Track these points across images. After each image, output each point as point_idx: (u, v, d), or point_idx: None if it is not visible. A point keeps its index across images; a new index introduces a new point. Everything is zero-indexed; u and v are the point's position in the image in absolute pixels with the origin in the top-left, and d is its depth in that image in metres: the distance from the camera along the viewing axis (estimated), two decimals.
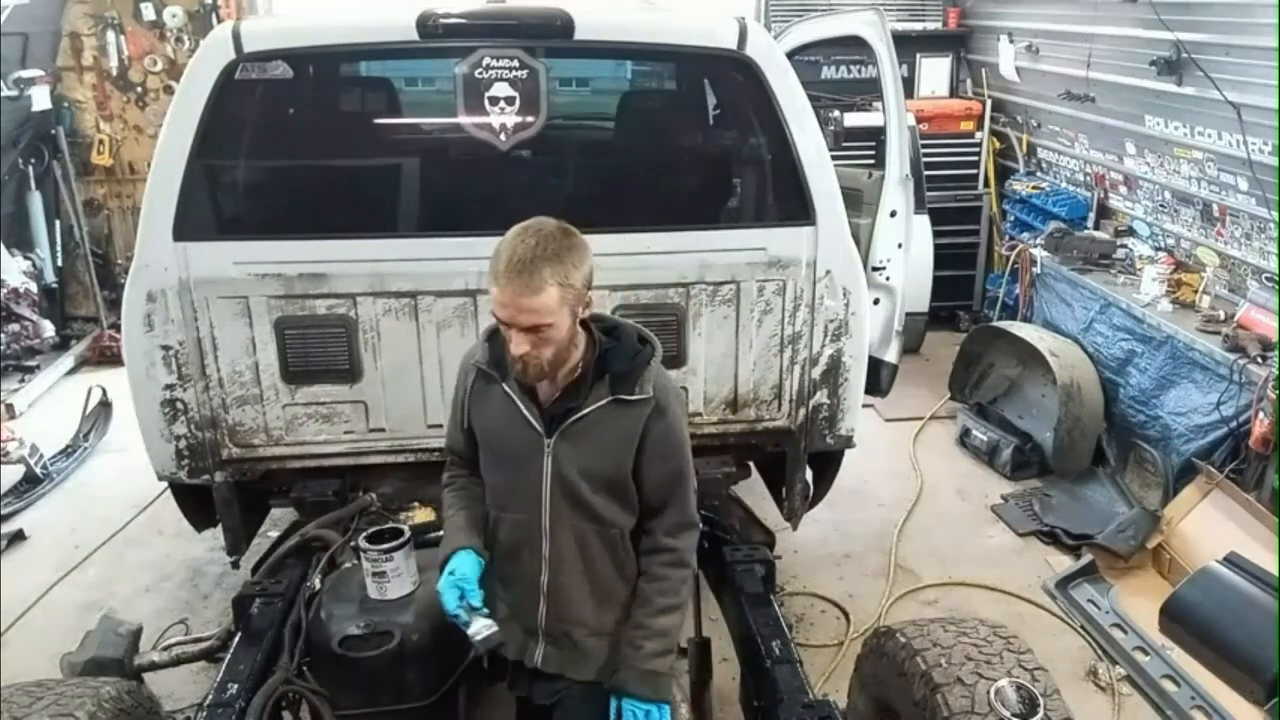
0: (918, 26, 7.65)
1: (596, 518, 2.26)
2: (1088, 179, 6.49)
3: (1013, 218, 7.13)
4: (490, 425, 2.30)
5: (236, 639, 2.97)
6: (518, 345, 2.07)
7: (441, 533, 2.46)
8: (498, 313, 2.08)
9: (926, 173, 5.33)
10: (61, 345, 7.08)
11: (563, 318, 2.07)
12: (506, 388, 2.24)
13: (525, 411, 2.22)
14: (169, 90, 7.01)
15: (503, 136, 3.16)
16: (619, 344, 2.24)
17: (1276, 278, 4.68)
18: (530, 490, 2.25)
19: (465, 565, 2.25)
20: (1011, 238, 7.01)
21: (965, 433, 5.78)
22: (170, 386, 3.19)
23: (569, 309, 2.08)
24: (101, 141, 7.33)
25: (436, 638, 2.65)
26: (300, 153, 3.39)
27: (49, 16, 7.03)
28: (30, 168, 7.01)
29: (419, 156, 3.48)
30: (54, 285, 7.22)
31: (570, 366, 2.18)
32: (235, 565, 3.67)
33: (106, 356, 6.94)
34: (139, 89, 7.29)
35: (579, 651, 2.33)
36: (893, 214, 3.95)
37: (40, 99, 6.80)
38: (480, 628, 2.23)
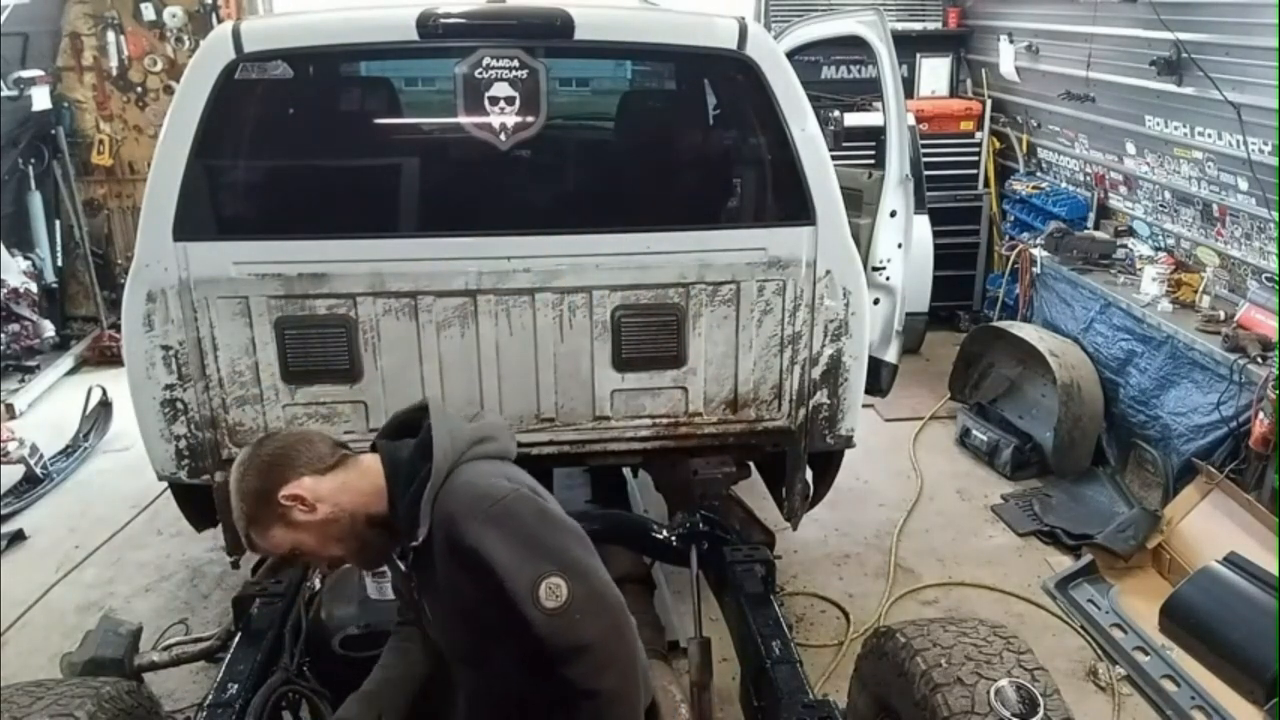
0: (918, 26, 7.65)
1: (475, 662, 2.07)
2: (1088, 179, 6.49)
3: (1013, 218, 7.13)
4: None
5: (236, 639, 2.97)
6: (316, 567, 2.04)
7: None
8: None
9: (926, 173, 5.34)
10: (61, 345, 7.07)
11: (285, 535, 1.90)
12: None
13: (399, 585, 2.17)
14: (169, 90, 7.01)
15: (503, 136, 3.16)
16: (399, 476, 1.91)
17: (1276, 278, 4.68)
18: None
19: None
20: (1011, 238, 7.01)
21: (965, 433, 5.78)
22: (170, 386, 3.19)
23: (282, 524, 1.89)
24: (101, 141, 7.32)
25: None
26: (300, 153, 3.38)
27: (49, 16, 7.03)
28: (30, 168, 7.00)
29: (419, 156, 3.47)
30: (54, 285, 7.22)
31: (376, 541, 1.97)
32: (235, 565, 3.66)
33: (106, 356, 6.94)
34: (139, 89, 7.29)
35: None
36: (893, 214, 3.95)
37: (40, 99, 6.79)
38: None
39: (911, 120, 4.53)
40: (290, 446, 1.92)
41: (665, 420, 3.40)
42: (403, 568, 2.04)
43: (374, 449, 1.98)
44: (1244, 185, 4.78)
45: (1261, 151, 4.49)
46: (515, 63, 3.10)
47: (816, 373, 3.44)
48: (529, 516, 1.85)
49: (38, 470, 5.31)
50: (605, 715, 1.90)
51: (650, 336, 3.29)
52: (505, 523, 1.82)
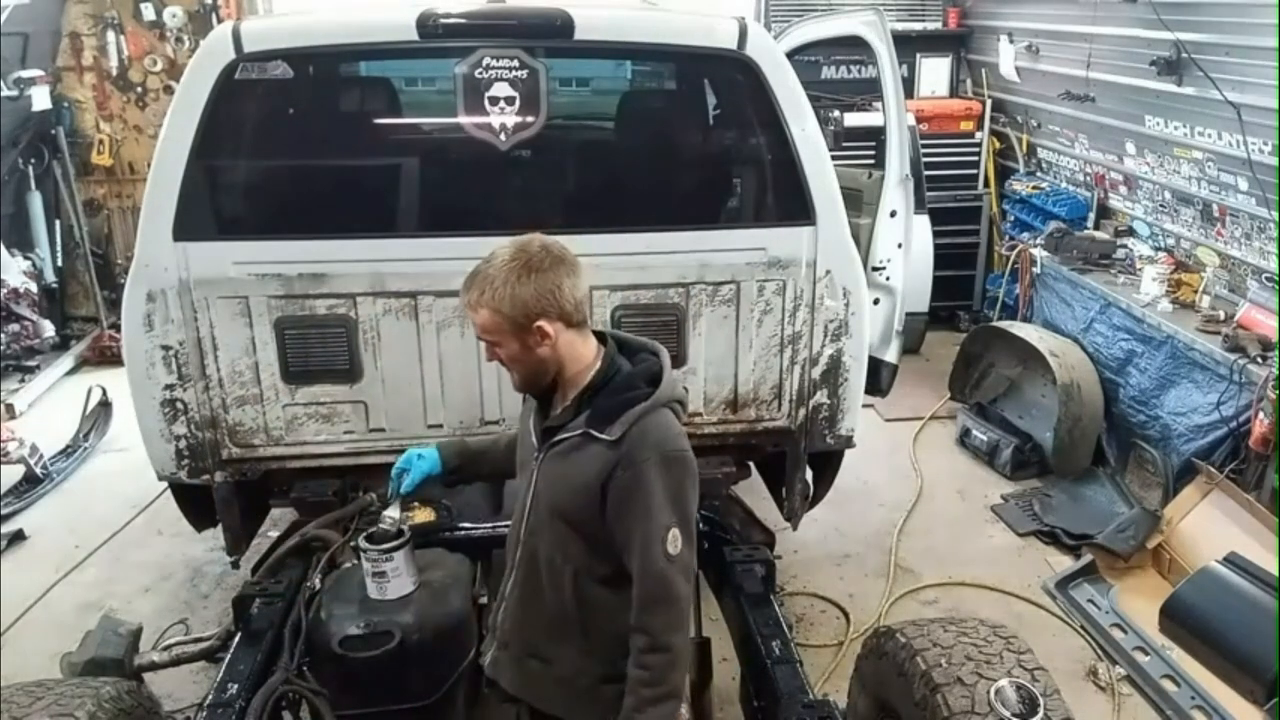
0: (918, 26, 7.65)
1: (557, 547, 2.16)
2: (1088, 179, 6.49)
3: (1013, 218, 7.13)
4: (519, 427, 2.37)
5: (236, 639, 2.97)
6: (493, 354, 2.14)
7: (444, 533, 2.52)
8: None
9: (926, 173, 5.32)
10: (61, 345, 7.08)
11: (506, 339, 2.08)
12: (526, 401, 2.29)
13: (531, 422, 2.25)
14: (169, 90, 7.01)
15: (503, 136, 3.16)
16: (620, 376, 2.14)
17: (1276, 278, 4.68)
18: (521, 497, 2.26)
19: (418, 458, 2.53)
20: (1011, 238, 7.02)
21: (965, 433, 5.78)
22: (170, 386, 3.19)
23: (513, 334, 2.06)
24: (101, 141, 7.33)
25: (436, 638, 2.65)
26: (300, 153, 3.38)
27: (49, 16, 7.03)
28: (30, 168, 7.01)
29: (419, 156, 3.48)
30: (54, 285, 7.22)
31: (580, 387, 2.14)
32: (235, 565, 3.67)
33: (106, 356, 6.94)
34: (139, 89, 7.29)
35: (520, 669, 2.28)
36: (893, 214, 3.95)
37: (40, 99, 6.80)
38: (388, 515, 2.60)
39: (911, 120, 4.53)
40: (567, 283, 2.07)
41: None
42: (532, 426, 2.24)
43: (600, 338, 2.20)
44: (1244, 185, 4.78)
45: (1261, 151, 4.49)
46: (515, 63, 3.10)
47: (816, 373, 3.44)
48: (687, 478, 2.11)
49: (38, 470, 5.31)
50: (669, 673, 2.09)
51: (650, 336, 3.26)
52: (672, 470, 2.07)
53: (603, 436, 2.06)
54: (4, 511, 4.99)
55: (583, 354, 2.14)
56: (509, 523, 2.38)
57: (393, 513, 2.62)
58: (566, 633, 2.20)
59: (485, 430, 3.32)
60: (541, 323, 2.04)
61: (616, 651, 2.12)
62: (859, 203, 4.03)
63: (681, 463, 2.09)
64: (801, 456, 3.60)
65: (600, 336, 2.21)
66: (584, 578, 2.16)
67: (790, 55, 3.65)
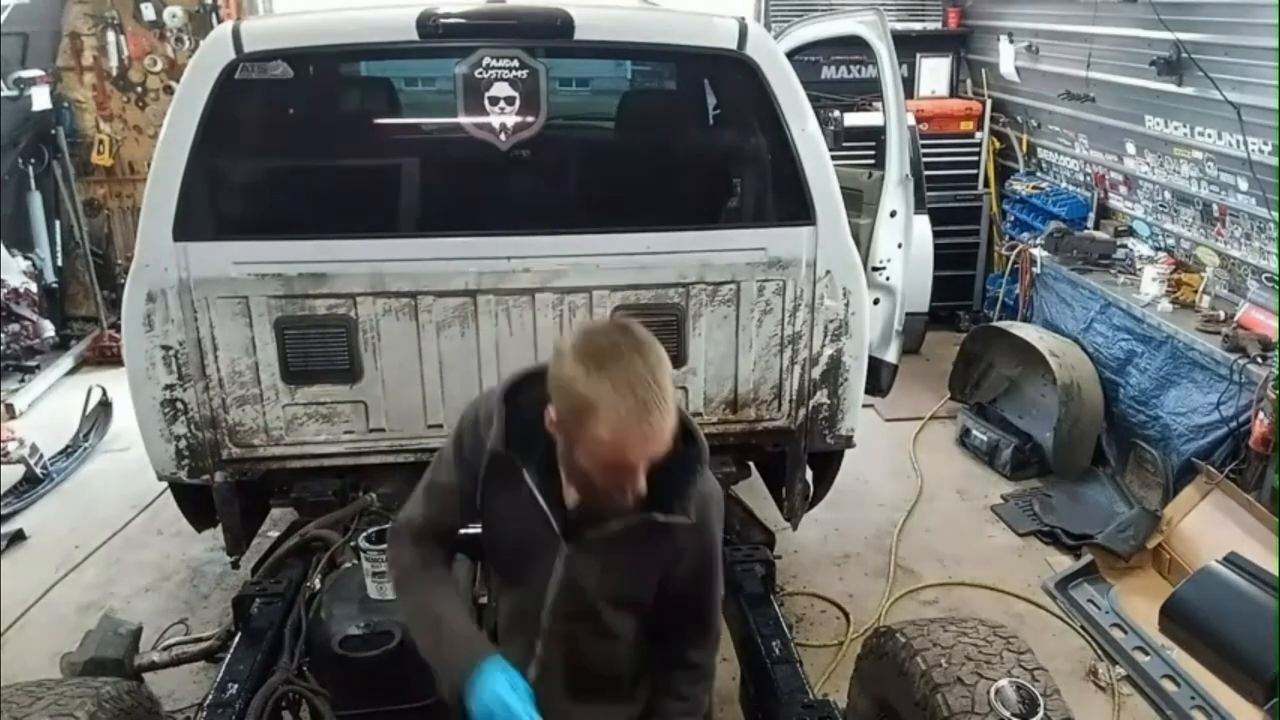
0: (918, 26, 7.65)
1: (604, 631, 2.01)
2: (1088, 179, 6.49)
3: (1013, 218, 7.13)
4: (498, 512, 1.99)
5: (236, 639, 2.97)
6: (644, 479, 1.74)
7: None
8: (624, 459, 1.69)
9: (926, 173, 5.33)
10: (61, 345, 7.06)
11: None
12: (529, 480, 1.88)
13: (546, 509, 1.89)
14: (169, 90, 7.00)
15: (503, 136, 3.16)
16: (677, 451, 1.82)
17: (1276, 278, 4.68)
18: (535, 587, 1.96)
19: (508, 684, 1.85)
20: (1011, 238, 7.01)
21: (965, 433, 5.78)
22: (170, 386, 3.19)
23: None
24: (101, 141, 7.32)
25: None
26: (300, 153, 3.39)
27: (49, 16, 7.02)
28: (30, 168, 6.99)
29: (419, 156, 3.48)
30: (54, 285, 7.20)
31: None
32: (235, 565, 3.67)
33: (106, 356, 6.93)
34: (139, 89, 7.28)
35: None
36: (893, 214, 3.95)
37: (40, 99, 6.78)
38: None
39: (911, 120, 4.53)
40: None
41: None
42: (547, 510, 1.89)
43: None
44: (1244, 185, 4.77)
45: (1261, 151, 4.49)
46: (515, 63, 3.10)
47: (816, 373, 3.44)
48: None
49: (38, 470, 5.30)
50: (704, 698, 2.16)
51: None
52: (723, 516, 2.05)
53: (677, 520, 1.85)
54: (4, 511, 4.99)
55: None
56: None
57: None
58: (613, 698, 2.14)
59: None
60: None
61: (648, 683, 2.16)
62: (859, 203, 4.03)
63: (722, 508, 2.04)
64: (801, 456, 3.60)
65: None
66: (635, 643, 2.10)
67: (790, 55, 3.65)
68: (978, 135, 7.42)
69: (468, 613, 2.17)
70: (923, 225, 4.46)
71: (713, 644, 2.16)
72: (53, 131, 7.02)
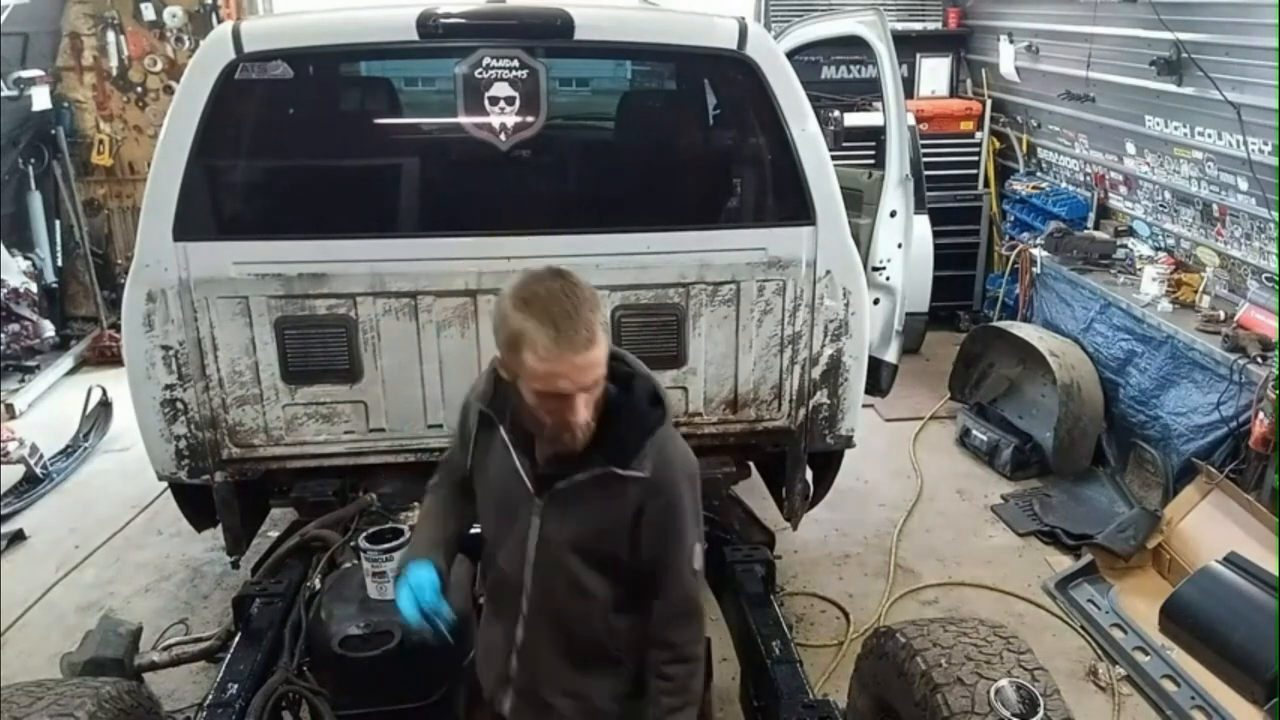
0: (918, 26, 7.65)
1: (580, 589, 2.08)
2: (1088, 179, 6.49)
3: (1013, 218, 7.13)
4: (487, 471, 2.15)
5: (236, 639, 2.97)
6: (583, 411, 1.87)
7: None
8: (556, 386, 1.83)
9: (926, 173, 5.34)
10: (61, 345, 7.07)
11: (600, 377, 1.91)
12: (504, 434, 2.06)
13: (519, 465, 2.05)
14: (169, 90, 7.00)
15: (503, 136, 3.16)
16: (627, 404, 2.00)
17: (1276, 278, 4.68)
18: (515, 545, 2.10)
19: (419, 576, 2.13)
20: (1011, 238, 7.01)
21: (965, 433, 5.78)
22: (170, 386, 3.20)
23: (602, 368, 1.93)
24: (101, 141, 7.33)
25: (436, 638, 2.65)
26: (300, 153, 3.39)
27: (49, 16, 7.03)
28: (30, 168, 7.00)
29: (419, 156, 3.48)
30: (54, 285, 7.22)
31: None
32: (235, 565, 3.67)
33: (106, 356, 6.93)
34: (139, 89, 7.29)
35: (552, 713, 2.19)
36: (893, 214, 3.95)
37: (40, 99, 6.79)
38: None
39: (911, 120, 4.54)
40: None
41: None
42: (521, 469, 2.05)
43: None
44: (1244, 185, 4.77)
45: (1261, 151, 4.49)
46: (515, 63, 3.10)
47: (816, 373, 3.44)
48: (697, 491, 2.11)
49: (38, 470, 5.31)
50: (690, 682, 2.12)
51: (650, 336, 3.29)
52: (694, 488, 2.08)
53: (632, 474, 1.96)
54: (4, 511, 4.99)
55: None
56: None
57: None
58: (599, 664, 2.16)
59: None
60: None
61: (643, 665, 2.14)
62: (859, 203, 4.03)
63: (696, 478, 2.09)
64: (801, 456, 3.60)
65: None
66: (610, 609, 2.11)
67: (790, 55, 3.65)
68: (978, 135, 7.42)
69: (442, 527, 2.31)
70: (923, 225, 4.46)
71: (692, 625, 2.11)
72: (53, 131, 7.03)
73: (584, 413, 1.87)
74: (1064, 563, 4.58)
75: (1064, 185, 6.80)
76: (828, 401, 3.50)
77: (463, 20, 3.14)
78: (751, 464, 3.80)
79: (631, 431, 1.98)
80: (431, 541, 2.27)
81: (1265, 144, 4.46)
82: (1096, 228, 6.28)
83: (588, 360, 1.83)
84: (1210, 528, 4.28)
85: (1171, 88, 4.98)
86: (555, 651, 2.15)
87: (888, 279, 3.94)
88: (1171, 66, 4.88)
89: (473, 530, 3.10)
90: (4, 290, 6.60)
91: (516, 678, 2.20)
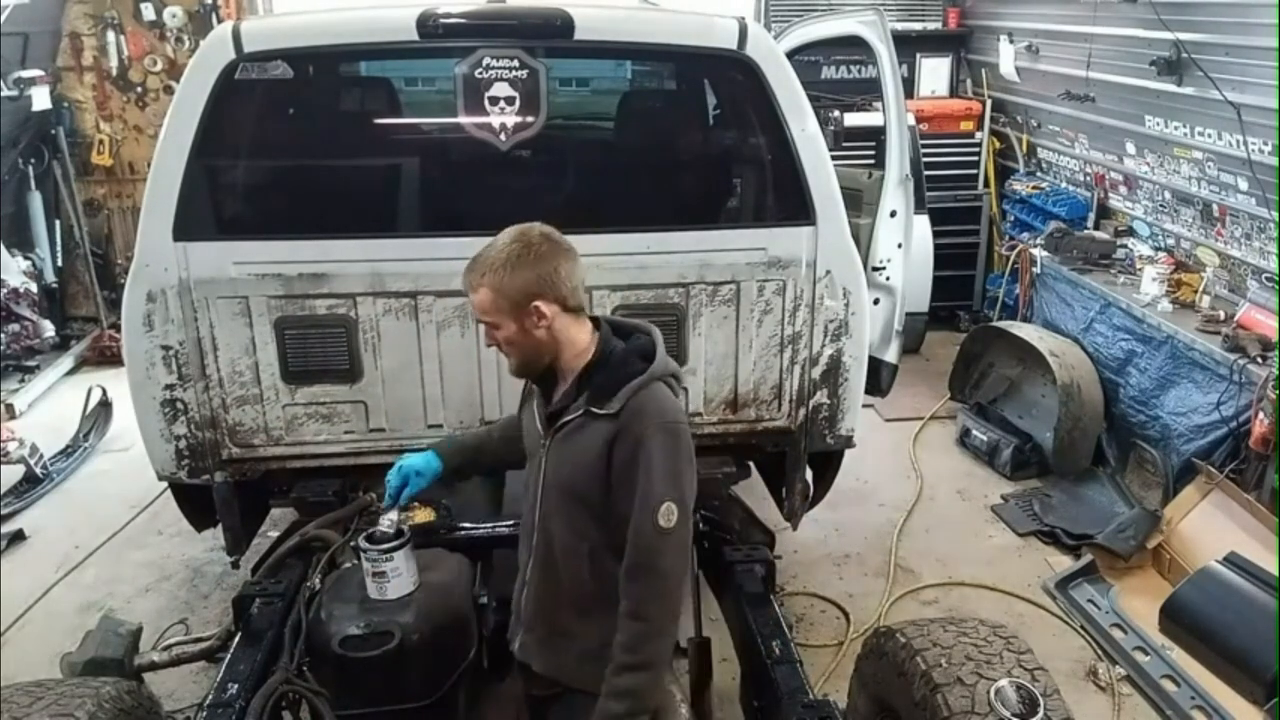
0: (918, 26, 7.66)
1: (572, 528, 2.22)
2: (1088, 179, 6.49)
3: (1013, 218, 7.13)
4: (524, 419, 2.43)
5: (236, 639, 2.97)
6: (492, 341, 2.23)
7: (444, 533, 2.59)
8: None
9: (926, 173, 5.35)
10: (61, 345, 7.07)
11: (505, 320, 2.15)
12: (533, 383, 2.34)
13: (536, 409, 2.32)
14: (169, 90, 7.01)
15: (503, 136, 3.16)
16: (615, 354, 2.20)
17: (1276, 278, 4.68)
18: (531, 485, 2.32)
19: (418, 460, 2.53)
20: (1011, 238, 7.02)
21: (965, 433, 5.78)
22: (170, 386, 3.20)
23: (511, 316, 2.14)
24: (101, 141, 7.33)
25: (436, 638, 2.65)
26: (300, 153, 3.39)
27: (49, 16, 7.03)
28: (30, 168, 7.00)
29: (419, 156, 3.48)
30: (54, 285, 7.22)
31: (578, 370, 2.21)
32: (235, 565, 3.67)
33: (106, 356, 6.94)
34: (139, 89, 7.29)
35: (550, 650, 2.32)
36: (893, 214, 3.95)
37: (40, 99, 6.79)
38: (387, 518, 2.60)
39: (911, 120, 4.54)
40: (564, 268, 2.16)
41: None
42: (537, 414, 2.32)
43: (594, 322, 2.27)
44: (1244, 185, 4.78)
45: (1261, 151, 4.49)
46: (515, 63, 3.10)
47: (816, 373, 3.44)
48: (684, 449, 2.15)
49: (38, 470, 5.31)
50: (644, 643, 2.11)
51: None
52: (670, 441, 2.11)
53: (602, 412, 2.12)
54: (4, 511, 4.99)
55: (579, 338, 2.21)
56: (509, 523, 2.42)
57: (392, 515, 2.63)
58: (588, 608, 2.25)
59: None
60: (539, 303, 2.12)
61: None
62: (859, 203, 4.03)
63: (677, 434, 2.14)
64: (801, 456, 3.60)
65: (594, 321, 2.28)
66: (599, 554, 2.20)
67: (790, 55, 3.65)
68: (978, 135, 7.43)
69: (474, 436, 2.78)
70: (923, 225, 4.47)
71: (649, 582, 2.10)
72: (53, 131, 7.03)
73: (486, 340, 2.22)
74: (1064, 563, 4.59)
75: (1064, 185, 6.80)
76: (828, 401, 3.50)
77: (463, 20, 3.14)
78: (751, 464, 3.80)
79: (611, 377, 2.15)
80: (454, 441, 2.66)
81: (1265, 144, 4.46)
82: (1096, 228, 6.29)
83: (476, 283, 2.16)
84: (1210, 528, 4.28)
85: (1171, 88, 4.98)
86: (554, 591, 2.29)
87: (888, 279, 3.94)
88: (1171, 66, 4.88)
89: (473, 530, 3.11)
90: (4, 290, 6.60)
91: (525, 615, 2.36)
